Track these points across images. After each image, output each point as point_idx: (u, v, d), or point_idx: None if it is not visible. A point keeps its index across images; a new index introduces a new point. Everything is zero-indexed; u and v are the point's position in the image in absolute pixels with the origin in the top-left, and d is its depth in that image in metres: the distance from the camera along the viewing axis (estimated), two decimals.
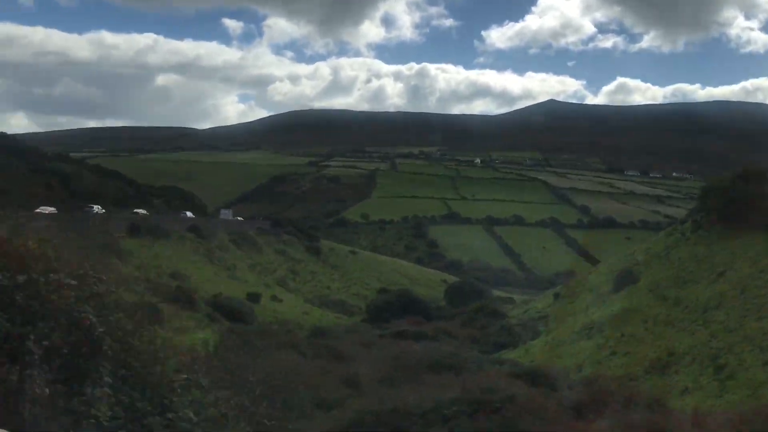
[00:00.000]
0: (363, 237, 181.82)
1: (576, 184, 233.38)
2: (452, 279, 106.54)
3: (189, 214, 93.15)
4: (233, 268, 78.09)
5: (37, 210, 50.31)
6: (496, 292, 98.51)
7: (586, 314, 46.31)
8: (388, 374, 30.37)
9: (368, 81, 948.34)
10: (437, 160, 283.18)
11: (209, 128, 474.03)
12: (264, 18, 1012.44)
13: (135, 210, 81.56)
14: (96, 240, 58.39)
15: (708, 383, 28.91)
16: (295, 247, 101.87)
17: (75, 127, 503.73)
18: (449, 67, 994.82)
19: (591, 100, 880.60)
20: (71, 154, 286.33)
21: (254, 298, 68.26)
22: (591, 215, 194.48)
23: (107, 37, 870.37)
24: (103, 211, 74.58)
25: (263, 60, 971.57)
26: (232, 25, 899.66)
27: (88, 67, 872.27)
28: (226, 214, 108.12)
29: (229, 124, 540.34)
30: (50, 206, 56.07)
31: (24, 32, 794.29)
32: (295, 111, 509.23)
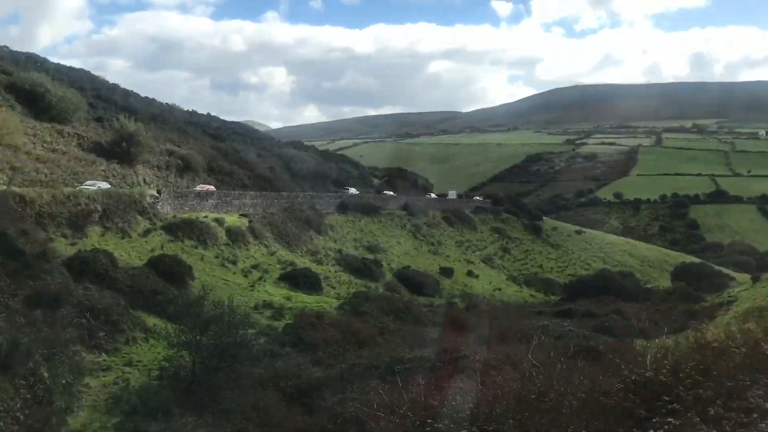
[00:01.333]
0: (614, 217, 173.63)
1: None
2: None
3: (432, 195, 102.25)
4: (437, 244, 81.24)
5: (197, 187, 56.63)
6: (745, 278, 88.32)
7: (764, 299, 40.81)
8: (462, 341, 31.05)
9: (644, 52, 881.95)
10: (712, 133, 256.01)
11: (473, 110, 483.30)
12: None
13: (385, 191, 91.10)
14: (301, 216, 66.16)
15: None
16: (514, 226, 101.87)
17: (357, 116, 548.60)
18: (739, 29, 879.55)
19: None
20: (350, 140, 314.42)
21: (447, 272, 70.86)
22: None
23: (384, 29, 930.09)
24: (357, 192, 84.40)
25: (532, 39, 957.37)
26: (500, 6, 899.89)
27: (368, 60, 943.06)
28: (452, 194, 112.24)
29: (494, 105, 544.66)
30: (210, 185, 60.38)
31: (314, 32, 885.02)
32: (559, 88, 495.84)
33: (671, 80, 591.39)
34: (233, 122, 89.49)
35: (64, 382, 16.86)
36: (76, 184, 41.51)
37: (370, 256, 66.28)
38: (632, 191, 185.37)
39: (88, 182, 43.71)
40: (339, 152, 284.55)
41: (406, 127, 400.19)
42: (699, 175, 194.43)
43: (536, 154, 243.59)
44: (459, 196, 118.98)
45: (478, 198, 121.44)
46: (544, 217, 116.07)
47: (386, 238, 75.20)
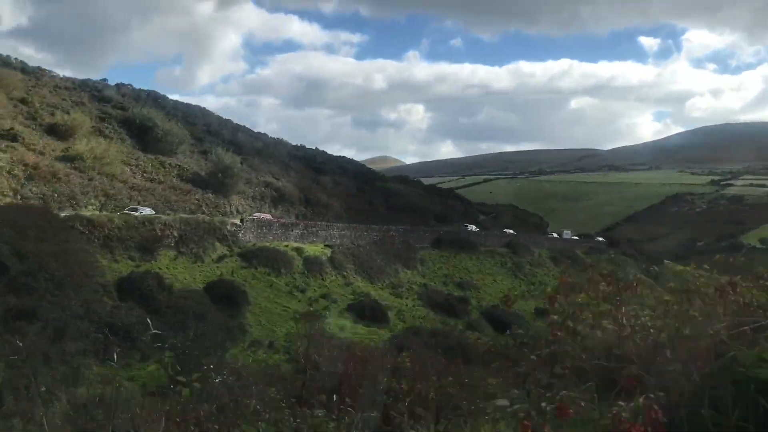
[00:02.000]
0: (758, 264, 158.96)
1: None
2: None
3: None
4: (539, 284, 78.52)
5: (253, 215, 56.29)
6: None
7: None
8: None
9: None
10: None
11: (614, 148, 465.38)
12: (683, 32, 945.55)
13: (505, 229, 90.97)
14: (390, 249, 66.71)
15: None
16: (628, 268, 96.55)
17: (493, 152, 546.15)
18: None
19: None
20: (482, 176, 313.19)
21: (542, 313, 68.36)
22: None
23: (524, 66, 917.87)
24: (477, 229, 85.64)
25: (681, 75, 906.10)
26: (648, 42, 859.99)
27: (506, 96, 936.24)
28: (567, 234, 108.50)
29: (637, 143, 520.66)
30: (267, 213, 59.39)
31: (454, 69, 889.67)
32: (708, 126, 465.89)
33: None
34: (339, 156, 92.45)
35: (43, 388, 18.14)
36: (118, 210, 43.93)
37: (459, 293, 65.38)
38: None
39: (129, 208, 45.19)
40: (469, 188, 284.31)
41: (542, 164, 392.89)
42: None
43: (676, 194, 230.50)
44: (579, 236, 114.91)
45: (599, 239, 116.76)
46: (668, 261, 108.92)
47: (481, 275, 73.77)
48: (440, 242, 74.55)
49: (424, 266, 68.53)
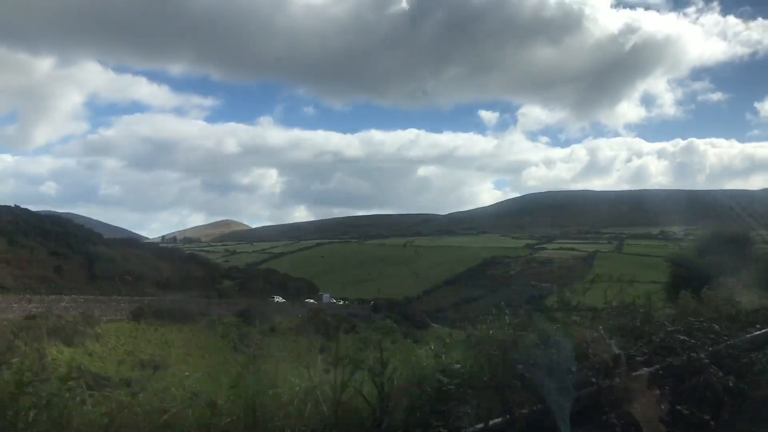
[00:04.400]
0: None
1: None
2: None
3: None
4: (262, 357, 70.81)
5: None
6: None
7: None
8: None
9: (627, 161, 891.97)
10: (677, 240, 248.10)
11: (449, 213, 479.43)
12: (518, 107, 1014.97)
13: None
14: (48, 323, 56.00)
15: None
16: (392, 334, 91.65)
17: (345, 216, 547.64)
18: (720, 141, 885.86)
19: None
20: (315, 241, 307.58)
21: None
22: None
23: (375, 135, 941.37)
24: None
25: (518, 146, 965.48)
26: (487, 116, 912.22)
27: (358, 163, 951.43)
28: (327, 298, 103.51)
29: (470, 208, 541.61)
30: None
31: (307, 136, 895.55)
32: (533, 194, 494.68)
33: (655, 188, 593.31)
34: (47, 214, 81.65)
35: None
36: None
37: (137, 374, 56.11)
38: (579, 297, 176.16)
39: None
40: (300, 253, 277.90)
41: (384, 228, 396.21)
42: (653, 282, 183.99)
43: (492, 257, 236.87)
44: (359, 301, 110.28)
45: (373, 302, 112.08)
46: (437, 325, 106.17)
47: (186, 350, 64.81)
48: (141, 313, 65.29)
49: (100, 343, 58.60)
